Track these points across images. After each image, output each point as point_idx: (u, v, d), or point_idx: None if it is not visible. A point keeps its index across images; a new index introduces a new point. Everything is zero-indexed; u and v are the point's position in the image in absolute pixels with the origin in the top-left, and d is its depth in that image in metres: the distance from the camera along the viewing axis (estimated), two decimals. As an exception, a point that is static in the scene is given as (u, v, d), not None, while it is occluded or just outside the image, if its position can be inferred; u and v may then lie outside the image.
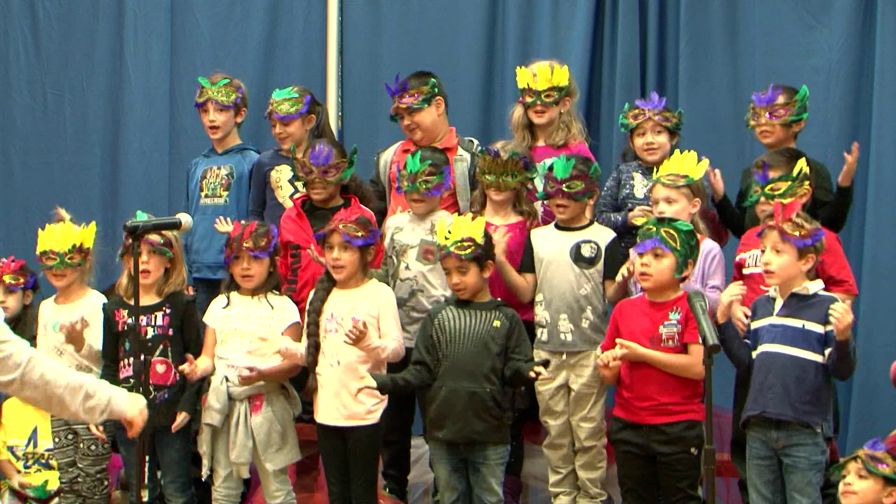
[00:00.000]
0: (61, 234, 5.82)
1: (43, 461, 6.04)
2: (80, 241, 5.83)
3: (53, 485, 6.16)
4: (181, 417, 5.55)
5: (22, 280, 6.46)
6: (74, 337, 5.80)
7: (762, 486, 4.98)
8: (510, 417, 5.35)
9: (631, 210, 5.77)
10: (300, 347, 5.48)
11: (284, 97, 6.22)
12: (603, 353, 5.20)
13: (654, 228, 5.15)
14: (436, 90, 6.03)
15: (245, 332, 5.57)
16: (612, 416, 5.36)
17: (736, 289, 5.13)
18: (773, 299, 5.03)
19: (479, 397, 5.26)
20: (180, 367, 5.49)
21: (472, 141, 6.14)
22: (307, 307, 5.54)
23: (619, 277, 5.45)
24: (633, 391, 5.15)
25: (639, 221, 5.47)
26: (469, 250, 5.31)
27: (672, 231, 5.12)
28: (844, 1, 6.67)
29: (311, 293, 5.55)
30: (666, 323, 5.12)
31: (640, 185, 5.89)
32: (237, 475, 5.57)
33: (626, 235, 5.67)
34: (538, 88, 5.98)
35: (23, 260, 6.52)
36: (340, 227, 5.41)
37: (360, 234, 5.41)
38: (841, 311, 4.79)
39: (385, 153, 6.21)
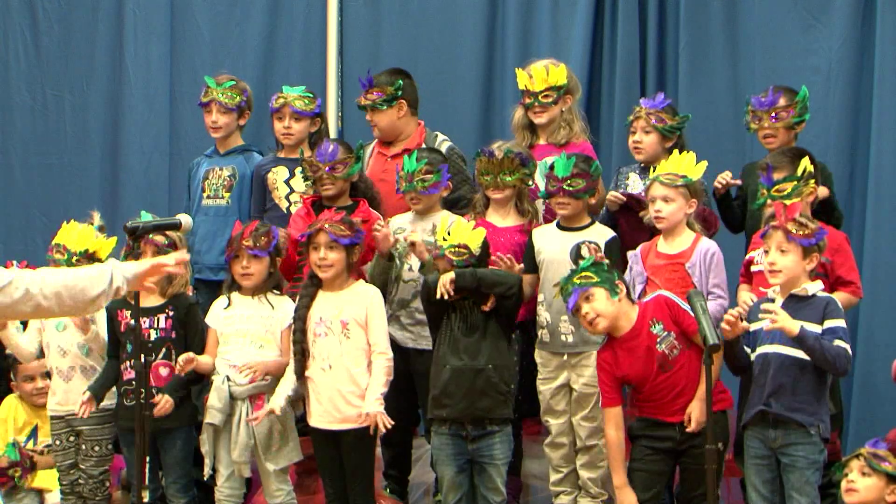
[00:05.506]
0: (79, 236, 5.78)
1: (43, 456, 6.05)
2: (95, 249, 5.77)
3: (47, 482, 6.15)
4: (163, 401, 5.47)
5: None
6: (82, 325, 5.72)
7: (761, 486, 4.98)
8: (514, 393, 5.38)
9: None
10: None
11: (299, 94, 6.24)
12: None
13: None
14: (399, 93, 6.03)
15: (247, 333, 5.57)
16: (627, 415, 5.33)
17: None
18: (772, 301, 5.01)
19: (484, 374, 5.25)
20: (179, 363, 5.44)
21: (436, 135, 6.12)
22: (293, 315, 5.49)
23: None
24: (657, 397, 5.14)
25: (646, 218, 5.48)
26: (463, 257, 5.30)
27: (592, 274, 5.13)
28: (844, 1, 6.69)
29: (297, 299, 5.51)
30: (658, 340, 5.09)
31: (634, 185, 5.89)
32: (238, 474, 5.57)
33: None
34: (535, 89, 5.99)
35: (24, 261, 6.49)
36: (327, 226, 5.40)
37: (346, 233, 5.40)
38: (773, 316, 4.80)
39: (369, 146, 6.23)
